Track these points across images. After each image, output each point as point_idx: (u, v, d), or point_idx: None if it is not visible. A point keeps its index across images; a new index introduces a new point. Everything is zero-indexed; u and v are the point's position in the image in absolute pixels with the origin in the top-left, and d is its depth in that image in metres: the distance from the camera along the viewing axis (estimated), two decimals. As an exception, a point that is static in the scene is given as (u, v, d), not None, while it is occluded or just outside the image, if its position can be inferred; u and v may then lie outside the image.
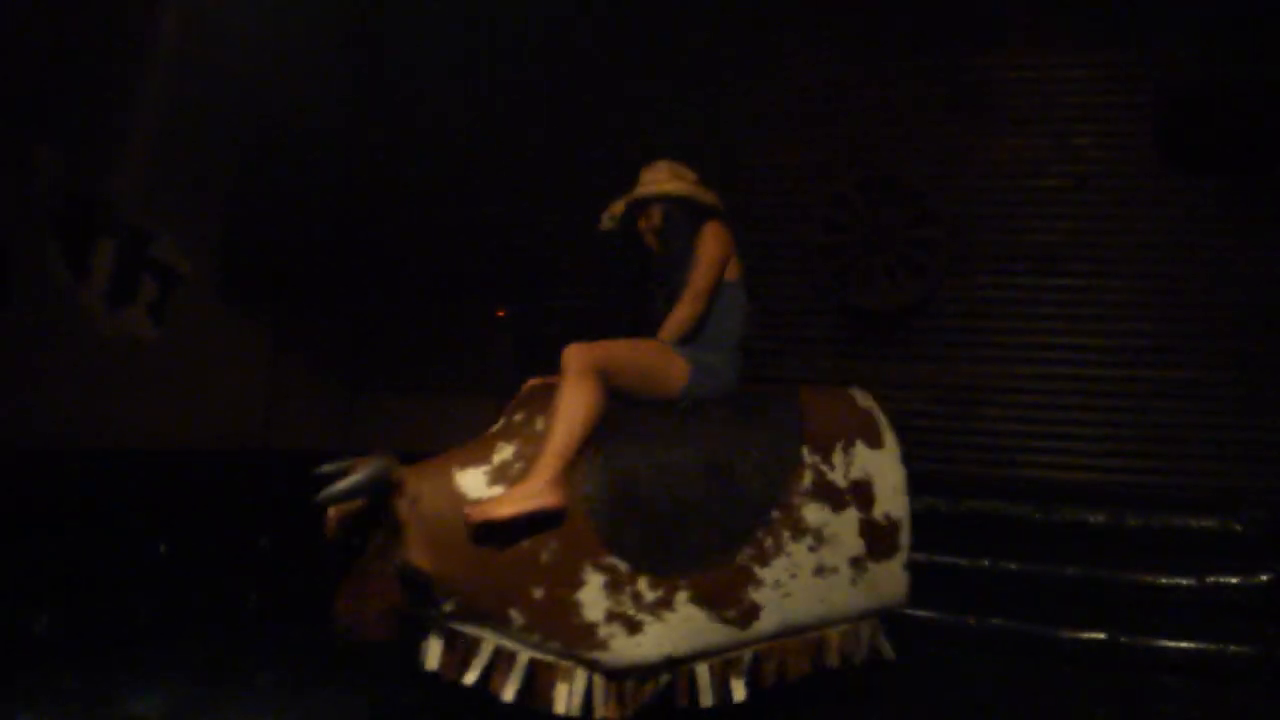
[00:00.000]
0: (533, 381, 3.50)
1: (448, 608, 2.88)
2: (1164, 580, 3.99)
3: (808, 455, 3.23)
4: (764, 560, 3.07)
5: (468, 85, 6.00)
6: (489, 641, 2.93)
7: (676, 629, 2.93)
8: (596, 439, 3.11)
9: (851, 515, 3.21)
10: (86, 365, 4.60)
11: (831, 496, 3.20)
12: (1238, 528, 3.95)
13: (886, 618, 3.31)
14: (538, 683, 2.87)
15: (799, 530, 3.13)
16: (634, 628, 2.90)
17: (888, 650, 3.30)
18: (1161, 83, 4.94)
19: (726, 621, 3.00)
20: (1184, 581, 3.95)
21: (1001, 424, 5.11)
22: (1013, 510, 4.36)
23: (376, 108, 5.93)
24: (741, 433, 3.24)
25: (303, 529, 4.47)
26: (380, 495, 2.87)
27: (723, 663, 3.00)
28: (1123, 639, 3.94)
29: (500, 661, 2.90)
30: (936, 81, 5.45)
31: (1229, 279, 4.80)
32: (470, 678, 2.88)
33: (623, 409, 3.24)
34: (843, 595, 3.16)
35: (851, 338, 5.44)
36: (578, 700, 2.84)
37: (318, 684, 3.44)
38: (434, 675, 2.92)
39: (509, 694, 2.83)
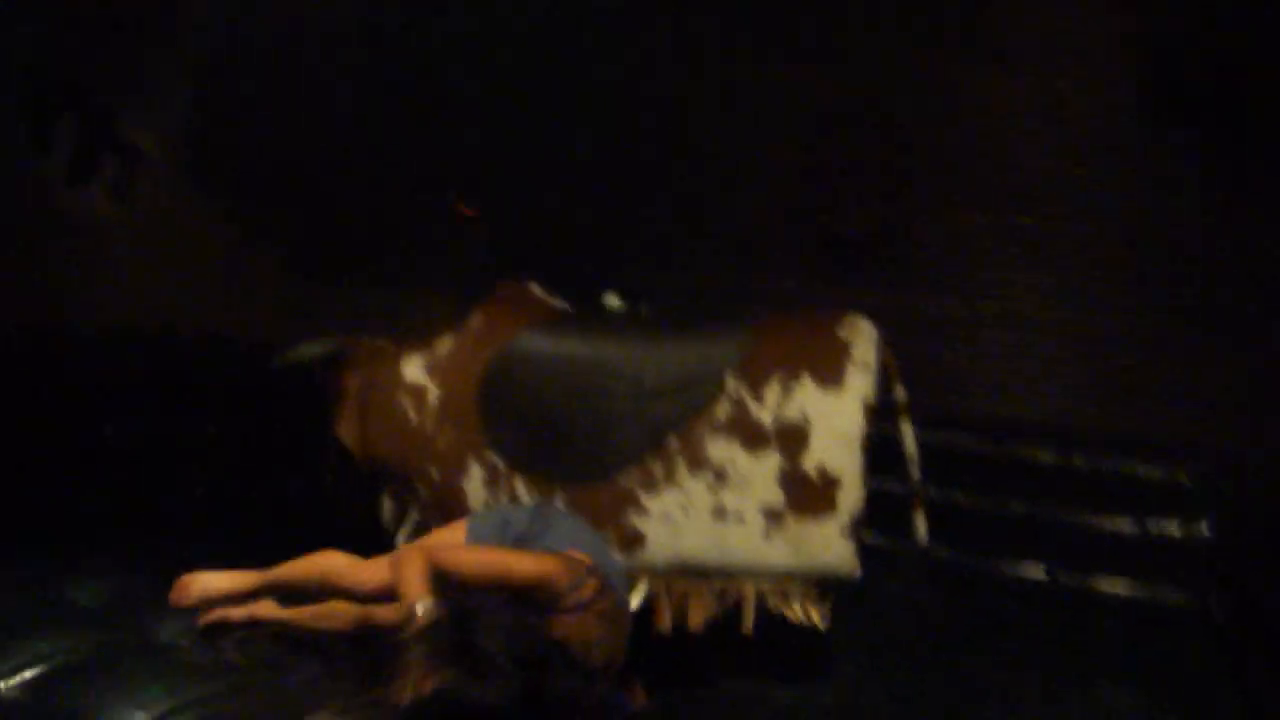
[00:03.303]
0: (506, 285, 3.42)
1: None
2: (1106, 524, 4.01)
3: (731, 383, 2.89)
4: (650, 487, 2.82)
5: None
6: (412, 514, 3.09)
7: None
8: (522, 325, 3.11)
9: (771, 460, 2.85)
10: (41, 241, 4.54)
11: (748, 433, 2.85)
12: (1183, 479, 3.96)
13: (832, 587, 2.92)
14: None
15: (697, 464, 2.83)
16: None
17: (818, 619, 2.89)
18: (1149, 28, 4.82)
19: (604, 542, 2.78)
20: (1126, 529, 3.96)
21: (962, 358, 5.09)
22: (965, 443, 4.35)
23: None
24: (669, 349, 2.97)
25: (256, 420, 4.50)
26: (333, 367, 2.99)
27: None
28: (1063, 578, 3.99)
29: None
30: (921, 10, 5.28)
31: (1201, 231, 4.75)
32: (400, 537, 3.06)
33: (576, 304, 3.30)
34: (750, 546, 2.84)
35: (823, 266, 5.36)
36: None
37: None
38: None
39: None
